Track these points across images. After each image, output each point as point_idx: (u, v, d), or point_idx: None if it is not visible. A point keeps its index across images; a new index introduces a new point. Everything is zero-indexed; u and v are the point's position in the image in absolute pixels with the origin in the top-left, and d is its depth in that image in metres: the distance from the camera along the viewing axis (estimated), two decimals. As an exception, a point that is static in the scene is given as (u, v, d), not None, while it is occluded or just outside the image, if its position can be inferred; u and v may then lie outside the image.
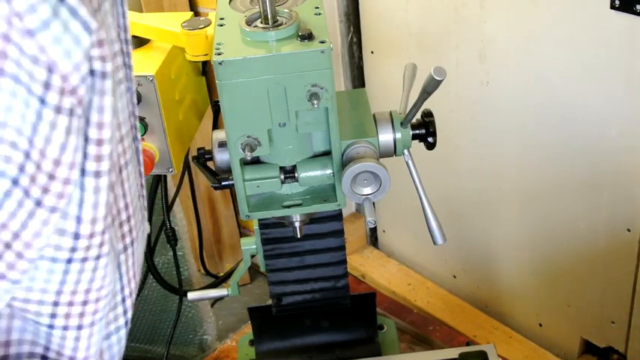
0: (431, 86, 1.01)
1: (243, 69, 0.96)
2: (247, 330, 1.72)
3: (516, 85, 1.51)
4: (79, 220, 0.57)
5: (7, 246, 0.55)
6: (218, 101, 1.00)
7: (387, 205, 1.94)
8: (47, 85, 0.51)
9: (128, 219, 0.66)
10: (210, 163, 1.15)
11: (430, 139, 1.12)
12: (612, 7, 1.27)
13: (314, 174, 1.07)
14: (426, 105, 1.07)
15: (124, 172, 0.64)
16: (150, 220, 1.55)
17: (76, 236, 0.58)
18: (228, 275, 1.60)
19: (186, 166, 1.48)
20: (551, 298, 1.69)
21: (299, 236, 1.16)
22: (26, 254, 0.56)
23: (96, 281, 0.62)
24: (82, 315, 0.63)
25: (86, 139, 0.55)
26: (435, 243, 1.09)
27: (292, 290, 1.35)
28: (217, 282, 1.72)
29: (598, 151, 1.43)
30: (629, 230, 1.45)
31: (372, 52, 1.79)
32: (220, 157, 1.09)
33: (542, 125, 1.51)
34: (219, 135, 1.09)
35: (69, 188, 0.55)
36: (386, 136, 1.08)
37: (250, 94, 0.97)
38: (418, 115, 1.11)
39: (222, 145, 1.08)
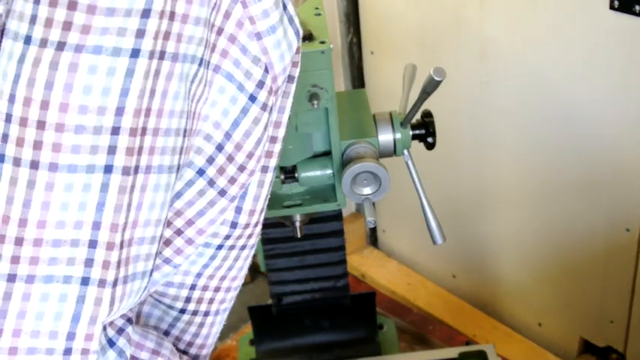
0: (430, 86, 1.01)
1: (244, 69, 0.96)
2: (247, 329, 1.73)
3: (516, 85, 1.51)
4: (239, 210, 0.60)
5: (179, 232, 0.58)
6: (218, 101, 1.00)
7: (387, 205, 1.94)
8: (261, 84, 0.54)
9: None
10: (210, 163, 1.15)
11: (430, 139, 1.13)
12: (611, 7, 1.27)
13: (314, 174, 1.07)
14: (426, 105, 1.07)
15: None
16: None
17: (234, 225, 0.61)
18: (229, 275, 1.60)
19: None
20: (551, 297, 1.69)
21: (299, 236, 1.16)
22: (197, 240, 0.59)
23: (233, 270, 0.63)
24: (211, 301, 0.65)
25: None
26: (434, 243, 1.10)
27: (292, 290, 1.35)
28: (217, 282, 1.72)
29: (597, 151, 1.43)
30: (628, 230, 1.45)
31: (372, 53, 1.79)
32: (220, 157, 1.09)
33: (542, 125, 1.51)
34: (220, 135, 1.09)
35: (251, 179, 0.59)
36: (386, 137, 1.08)
37: (250, 94, 0.98)
38: (418, 116, 1.11)
39: (223, 145, 1.08)
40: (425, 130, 1.12)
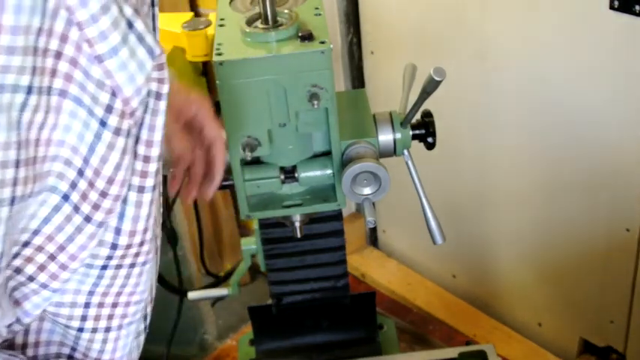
0: (430, 87, 1.01)
1: (244, 69, 0.96)
2: (247, 330, 1.73)
3: (516, 85, 1.51)
4: (118, 231, 0.59)
5: (52, 257, 0.57)
6: (218, 101, 1.00)
7: (387, 205, 1.94)
8: (109, 109, 0.52)
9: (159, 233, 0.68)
10: (210, 163, 1.15)
11: (430, 139, 1.13)
12: (611, 7, 1.27)
13: (314, 174, 1.07)
14: (426, 105, 1.07)
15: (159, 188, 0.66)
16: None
17: (114, 247, 0.60)
18: (229, 275, 1.60)
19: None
20: (551, 297, 1.69)
21: (299, 236, 1.16)
22: (70, 265, 0.58)
23: (127, 287, 0.63)
24: (110, 317, 0.64)
25: (135, 155, 0.57)
26: (434, 243, 1.10)
27: (292, 290, 1.35)
28: (218, 282, 1.72)
29: (597, 151, 1.43)
30: (628, 230, 1.45)
31: (372, 53, 1.79)
32: (220, 157, 1.09)
33: (542, 125, 1.51)
34: (220, 135, 1.10)
35: (119, 204, 0.57)
36: (386, 136, 1.08)
37: (250, 94, 0.98)
38: (418, 115, 1.11)
39: (223, 145, 1.08)
40: (425, 130, 1.12)
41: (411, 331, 1.80)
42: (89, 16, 0.49)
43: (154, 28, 0.64)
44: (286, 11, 1.01)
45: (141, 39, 0.52)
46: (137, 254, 0.61)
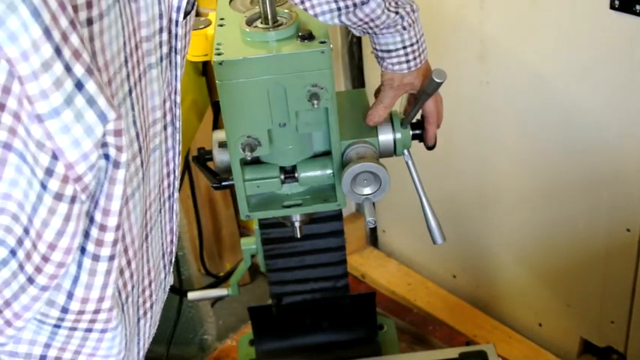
0: (431, 88, 1.01)
1: (244, 69, 0.96)
2: (247, 330, 1.72)
3: (516, 85, 1.51)
4: (70, 295, 0.56)
5: None
6: (218, 101, 1.00)
7: (387, 205, 1.94)
8: (49, 172, 0.48)
9: (150, 283, 0.65)
10: (210, 163, 1.15)
11: (430, 139, 1.13)
12: (612, 7, 1.27)
13: (314, 174, 1.07)
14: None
15: (149, 239, 0.63)
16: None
17: (64, 310, 0.56)
18: (229, 275, 1.60)
19: (187, 166, 1.48)
20: (551, 298, 1.69)
21: (299, 236, 1.16)
22: (15, 323, 0.55)
23: (86, 348, 0.59)
24: None
25: (91, 220, 0.53)
26: (434, 243, 1.10)
27: (292, 290, 1.35)
28: (217, 282, 1.72)
29: (598, 151, 1.43)
30: (628, 230, 1.45)
31: (372, 53, 1.79)
32: (220, 157, 1.09)
33: (542, 125, 1.51)
34: (220, 135, 1.09)
35: (63, 271, 0.53)
36: (386, 137, 1.08)
37: (250, 94, 0.97)
38: (418, 116, 1.11)
39: (223, 145, 1.08)
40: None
41: (411, 332, 1.80)
42: (31, 71, 0.44)
43: (176, 77, 0.61)
44: (286, 11, 1.01)
45: (91, 102, 0.47)
46: (93, 321, 0.58)
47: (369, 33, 1.00)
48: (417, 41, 1.03)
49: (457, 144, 1.67)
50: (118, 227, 0.54)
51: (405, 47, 1.02)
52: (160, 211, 0.66)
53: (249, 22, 1.01)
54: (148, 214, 0.62)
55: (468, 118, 1.64)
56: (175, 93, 0.63)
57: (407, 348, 1.75)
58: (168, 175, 0.65)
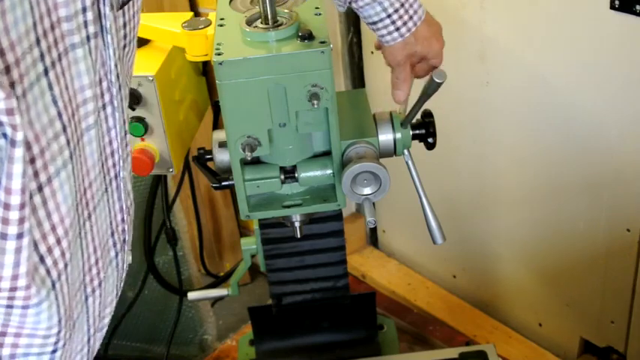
0: (431, 89, 1.01)
1: (244, 69, 0.96)
2: (247, 330, 1.73)
3: (516, 85, 1.51)
4: None
5: None
6: (218, 101, 1.00)
7: (387, 205, 1.94)
8: None
9: (96, 261, 0.66)
10: (210, 163, 1.15)
11: (430, 140, 1.13)
12: (612, 7, 1.27)
13: (314, 174, 1.07)
14: (426, 105, 1.07)
15: (93, 217, 0.64)
16: (150, 220, 1.56)
17: None
18: (229, 275, 1.60)
19: (187, 166, 1.49)
20: (551, 297, 1.69)
21: (299, 236, 1.16)
22: None
23: (10, 327, 0.61)
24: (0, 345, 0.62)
25: None
26: (434, 243, 1.10)
27: (292, 290, 1.35)
28: (217, 282, 1.72)
29: (598, 151, 1.43)
30: (628, 230, 1.45)
31: (372, 52, 1.79)
32: (220, 157, 1.09)
33: (542, 125, 1.51)
34: (220, 135, 1.09)
35: None
36: (386, 137, 1.08)
37: (250, 94, 0.97)
38: (418, 116, 1.11)
39: (223, 145, 1.08)
40: (425, 130, 1.12)
41: (411, 332, 1.80)
42: None
43: (110, 57, 0.62)
44: (286, 11, 1.01)
45: None
46: (11, 298, 0.59)
47: (349, 5, 0.96)
48: (402, 5, 0.98)
49: (457, 144, 1.67)
50: (22, 206, 0.55)
51: (389, 15, 0.98)
52: (107, 190, 0.66)
53: (249, 22, 1.01)
54: (89, 193, 0.63)
55: (468, 118, 1.64)
56: (111, 72, 0.63)
57: (407, 348, 1.75)
58: (112, 154, 0.66)
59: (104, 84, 0.63)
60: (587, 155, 1.45)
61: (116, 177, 0.67)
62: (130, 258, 0.75)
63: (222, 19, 1.06)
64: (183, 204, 1.76)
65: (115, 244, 0.70)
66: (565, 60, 1.40)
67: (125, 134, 0.68)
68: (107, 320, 0.73)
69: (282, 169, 1.06)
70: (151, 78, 1.15)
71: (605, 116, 1.39)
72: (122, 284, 0.75)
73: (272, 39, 0.98)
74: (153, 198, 1.52)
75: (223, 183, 1.12)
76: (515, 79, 1.51)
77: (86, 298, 0.67)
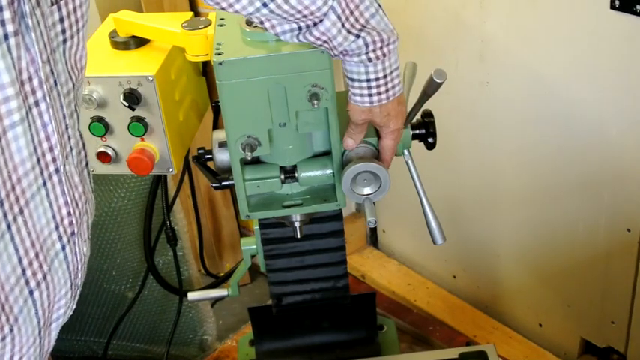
0: (431, 88, 1.01)
1: (244, 69, 0.96)
2: (247, 330, 1.73)
3: (516, 85, 1.51)
4: None
5: None
6: (218, 101, 1.00)
7: (387, 205, 1.94)
8: None
9: (36, 255, 0.67)
10: (210, 163, 1.15)
11: (430, 140, 1.13)
12: (612, 7, 1.27)
13: (314, 174, 1.07)
14: (426, 105, 1.07)
15: (26, 212, 0.65)
16: (150, 220, 1.55)
17: None
18: (228, 275, 1.60)
19: (187, 166, 1.48)
20: (551, 298, 1.69)
21: (299, 236, 1.16)
22: None
23: None
24: None
25: None
26: (434, 243, 1.10)
27: (292, 290, 1.35)
28: (217, 282, 1.72)
29: (598, 151, 1.43)
30: (629, 230, 1.45)
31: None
32: (220, 157, 1.09)
33: (542, 125, 1.51)
34: (220, 135, 1.09)
35: None
36: (386, 136, 1.08)
37: (250, 94, 0.97)
38: (418, 116, 1.11)
39: (223, 145, 1.08)
40: (425, 130, 1.12)
41: (412, 332, 1.80)
42: None
43: (36, 54, 0.62)
44: (286, 11, 1.01)
45: None
46: None
47: (336, 56, 0.95)
48: (386, 76, 0.97)
49: (457, 144, 1.67)
50: None
51: (369, 80, 0.96)
52: (45, 185, 0.67)
53: (249, 22, 1.01)
54: (18, 188, 0.63)
55: (468, 118, 1.64)
56: (40, 70, 0.63)
57: (407, 348, 1.75)
58: (50, 149, 0.66)
59: (34, 81, 0.63)
60: (587, 155, 1.45)
61: (57, 171, 0.67)
62: (86, 249, 0.75)
63: (222, 19, 1.06)
64: (183, 204, 1.76)
65: (60, 237, 0.70)
66: (565, 60, 1.40)
67: (67, 128, 0.69)
68: (63, 311, 0.73)
69: (282, 169, 1.06)
70: (150, 78, 1.15)
71: (605, 116, 1.39)
72: (83, 275, 0.75)
73: (272, 39, 0.98)
74: (153, 198, 1.52)
75: (223, 183, 1.12)
76: (515, 79, 1.51)
77: (31, 292, 0.67)
